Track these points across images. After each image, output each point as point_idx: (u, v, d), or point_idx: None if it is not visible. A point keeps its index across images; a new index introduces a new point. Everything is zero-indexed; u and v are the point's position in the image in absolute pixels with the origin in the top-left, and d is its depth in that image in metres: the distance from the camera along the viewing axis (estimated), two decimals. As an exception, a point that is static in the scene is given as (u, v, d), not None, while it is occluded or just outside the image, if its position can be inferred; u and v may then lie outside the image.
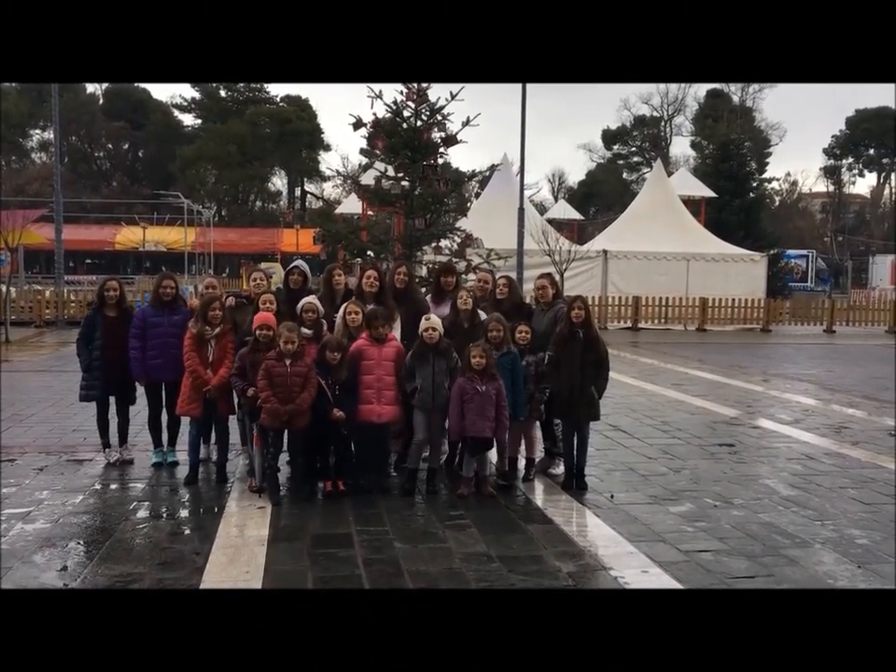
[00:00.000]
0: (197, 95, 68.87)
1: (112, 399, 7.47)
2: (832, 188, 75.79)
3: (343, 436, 6.56)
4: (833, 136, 73.82)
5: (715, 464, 7.82)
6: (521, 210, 23.07)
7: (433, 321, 6.60)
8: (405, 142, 9.49)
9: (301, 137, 65.78)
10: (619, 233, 27.45)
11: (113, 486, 6.82)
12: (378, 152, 11.22)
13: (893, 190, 75.76)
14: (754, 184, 38.77)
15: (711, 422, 9.96)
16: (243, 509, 6.21)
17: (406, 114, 9.52)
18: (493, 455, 7.02)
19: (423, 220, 9.65)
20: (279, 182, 72.73)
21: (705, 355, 17.97)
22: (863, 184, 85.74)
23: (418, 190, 9.61)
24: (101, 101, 68.78)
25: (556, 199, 62.80)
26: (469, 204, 15.93)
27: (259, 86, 68.23)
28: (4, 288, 20.28)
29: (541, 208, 49.38)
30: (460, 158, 79.60)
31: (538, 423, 7.21)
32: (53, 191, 25.26)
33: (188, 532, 5.77)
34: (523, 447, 7.13)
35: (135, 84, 64.57)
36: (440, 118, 9.58)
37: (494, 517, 6.11)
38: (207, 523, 5.88)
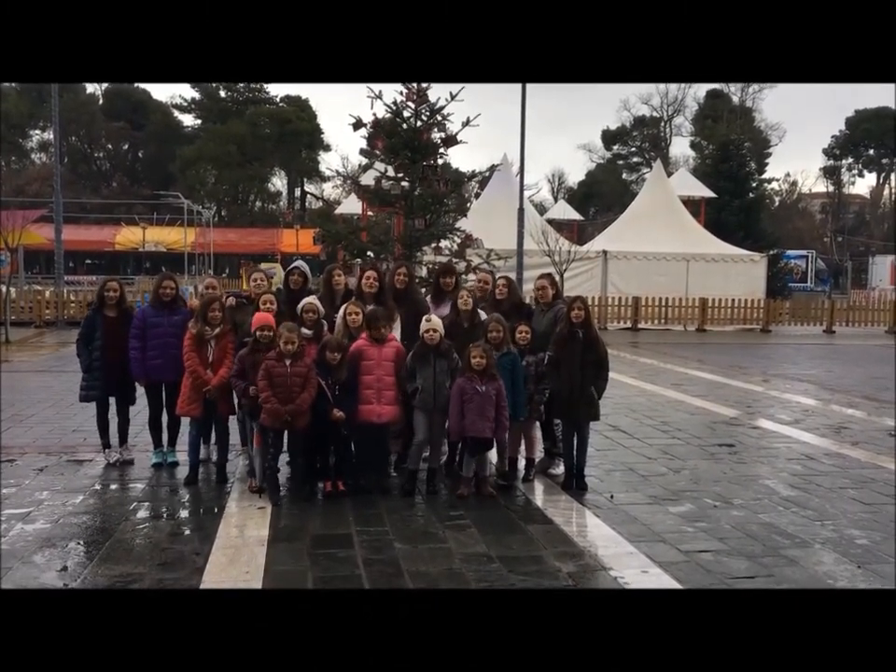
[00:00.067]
0: (197, 96, 68.93)
1: (112, 400, 7.47)
2: (831, 188, 75.84)
3: (343, 436, 6.56)
4: (832, 137, 73.94)
5: (715, 464, 7.82)
6: (521, 210, 23.07)
7: (434, 322, 6.60)
8: (405, 142, 9.49)
9: (300, 137, 65.82)
10: (619, 234, 27.46)
11: (113, 487, 6.82)
12: (378, 152, 11.22)
13: (893, 191, 75.84)
14: (754, 184, 38.76)
15: (711, 422, 9.96)
16: (243, 509, 6.21)
17: (406, 114, 9.52)
18: (493, 455, 7.01)
19: (423, 221, 9.66)
20: (279, 182, 72.84)
21: (704, 355, 17.97)
22: (863, 184, 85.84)
23: (418, 191, 9.61)
24: (101, 101, 68.82)
25: (556, 199, 62.82)
26: (468, 205, 15.93)
27: (258, 86, 68.28)
28: (4, 289, 20.28)
29: (541, 208, 49.40)
30: (460, 158, 79.85)
31: (537, 423, 7.21)
32: (53, 192, 25.28)
33: (188, 532, 5.77)
34: (523, 447, 7.13)
35: (135, 84, 64.69)
36: (439, 118, 9.59)
37: (494, 517, 6.11)
38: (207, 523, 5.88)
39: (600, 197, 69.11)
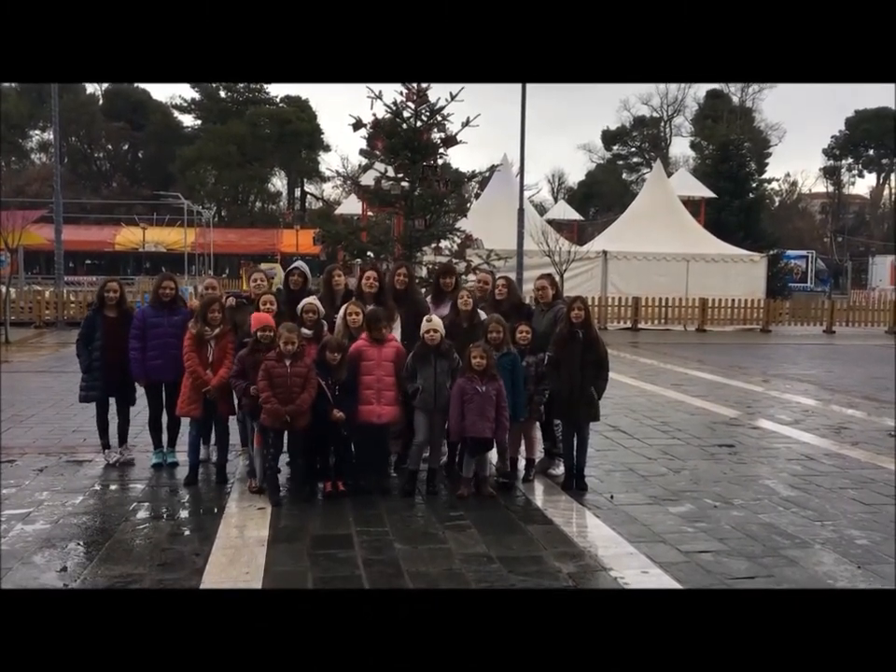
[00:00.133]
0: (197, 96, 68.96)
1: (112, 400, 7.47)
2: (831, 188, 75.85)
3: (343, 437, 6.56)
4: (832, 137, 73.95)
5: (715, 464, 7.82)
6: (521, 211, 23.08)
7: (435, 322, 6.59)
8: (405, 142, 9.49)
9: (300, 138, 65.83)
10: (618, 234, 27.46)
11: (113, 487, 6.82)
12: (378, 153, 11.22)
13: (893, 191, 75.83)
14: (754, 184, 38.76)
15: (711, 422, 9.96)
16: (243, 509, 6.20)
17: (406, 114, 9.52)
18: (493, 455, 7.01)
19: (423, 221, 9.65)
20: (279, 183, 72.86)
21: (704, 355, 17.97)
22: (863, 184, 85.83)
23: (418, 191, 9.61)
24: (101, 101, 68.84)
25: (556, 199, 62.84)
26: (468, 205, 15.94)
27: (258, 86, 68.30)
28: (4, 289, 20.28)
29: (541, 209, 49.41)
30: (460, 158, 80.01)
31: (537, 423, 7.21)
32: (53, 192, 25.27)
33: (187, 533, 5.77)
34: (523, 448, 7.13)
35: (135, 84, 64.71)
36: (439, 118, 9.58)
37: (494, 518, 6.11)
38: (207, 524, 5.87)
39: (600, 197, 69.13)
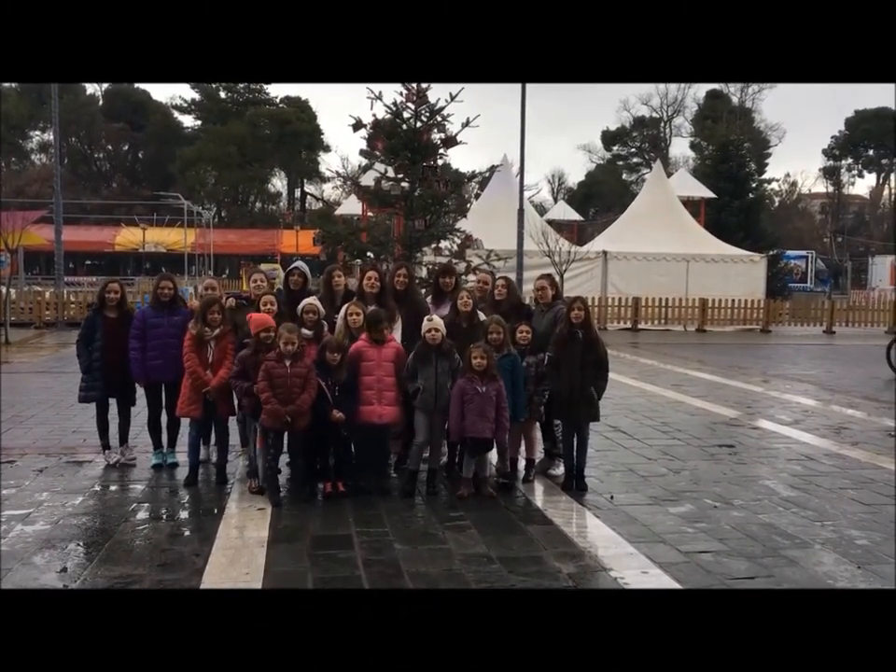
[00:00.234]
0: (197, 96, 69.00)
1: (112, 401, 7.47)
2: (831, 188, 75.87)
3: (343, 437, 6.56)
4: (832, 137, 74.00)
5: (715, 465, 7.82)
6: (520, 211, 23.08)
7: (436, 322, 6.59)
8: (405, 143, 9.49)
9: (300, 138, 65.86)
10: (618, 234, 27.47)
11: (113, 488, 6.81)
12: (378, 153, 11.21)
13: (892, 191, 75.85)
14: (753, 185, 38.74)
15: (711, 423, 9.96)
16: (243, 510, 6.20)
17: (406, 115, 9.52)
18: (493, 455, 7.01)
19: (423, 221, 9.65)
20: (279, 183, 72.90)
21: (704, 355, 17.97)
22: (863, 185, 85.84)
23: (418, 191, 9.61)
24: (100, 102, 68.86)
25: (556, 200, 62.88)
26: (468, 205, 15.94)
27: (258, 87, 68.33)
28: (4, 290, 20.28)
29: (541, 209, 49.42)
30: (460, 159, 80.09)
31: (537, 424, 7.21)
32: (53, 193, 25.29)
33: (187, 533, 5.77)
34: (523, 448, 7.13)
35: (135, 85, 64.77)
36: (439, 119, 9.58)
37: (494, 518, 6.11)
38: (207, 524, 5.87)
39: (600, 197, 69.15)
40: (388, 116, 9.62)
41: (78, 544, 5.40)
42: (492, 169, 13.61)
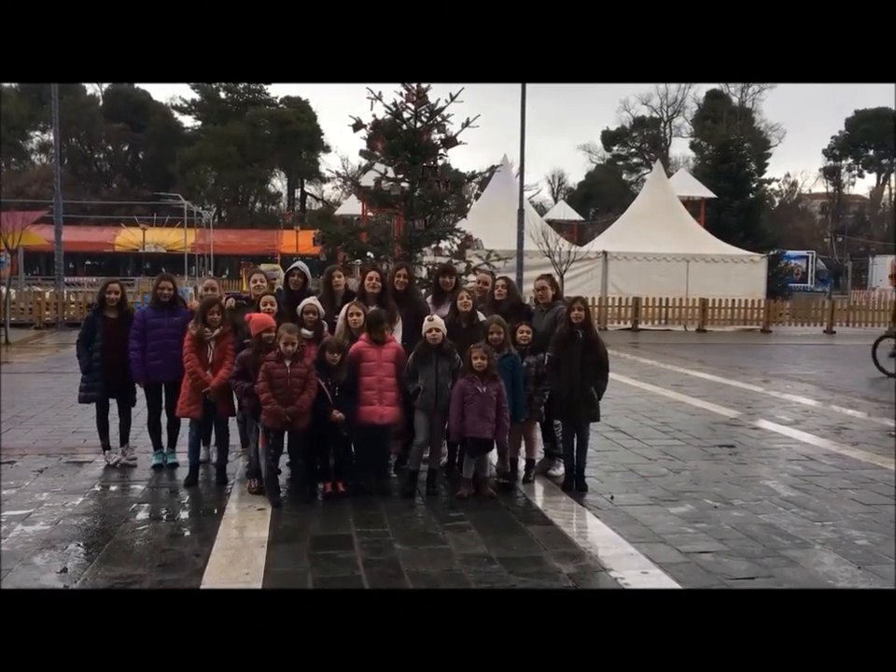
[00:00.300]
0: (197, 97, 69.03)
1: (113, 402, 7.47)
2: (831, 188, 75.87)
3: (343, 437, 6.56)
4: (832, 137, 73.99)
5: (715, 465, 7.82)
6: (521, 211, 23.08)
7: (436, 322, 6.59)
8: (405, 143, 9.49)
9: (300, 138, 65.86)
10: (619, 234, 27.47)
11: (113, 488, 6.81)
12: (378, 153, 11.22)
13: (893, 191, 75.86)
14: (754, 185, 38.75)
15: (711, 423, 9.96)
16: (243, 510, 6.20)
17: (406, 115, 9.52)
18: (493, 455, 7.01)
19: (423, 222, 9.65)
20: (279, 183, 72.90)
21: (705, 355, 17.97)
22: (863, 185, 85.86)
23: (418, 192, 9.61)
24: (101, 102, 68.87)
25: (556, 200, 62.87)
26: (468, 206, 15.96)
27: (258, 87, 68.34)
28: (4, 290, 20.29)
29: (541, 209, 49.44)
30: (460, 159, 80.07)
31: (538, 424, 7.21)
32: (53, 193, 25.28)
33: (188, 534, 5.77)
34: (523, 448, 7.13)
35: (135, 85, 64.79)
36: (439, 119, 9.58)
37: (494, 518, 6.10)
38: (207, 524, 5.87)
39: (600, 198, 69.16)
40: (388, 116, 9.63)
41: (79, 544, 5.40)
42: (492, 169, 13.63)
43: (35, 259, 47.06)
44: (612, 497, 6.61)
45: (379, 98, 9.41)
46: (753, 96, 71.24)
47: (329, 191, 70.04)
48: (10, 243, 21.34)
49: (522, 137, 23.59)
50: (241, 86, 67.77)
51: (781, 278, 36.44)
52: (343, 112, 78.75)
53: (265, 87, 68.92)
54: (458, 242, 9.79)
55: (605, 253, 25.17)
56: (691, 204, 30.11)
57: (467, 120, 9.46)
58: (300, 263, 7.84)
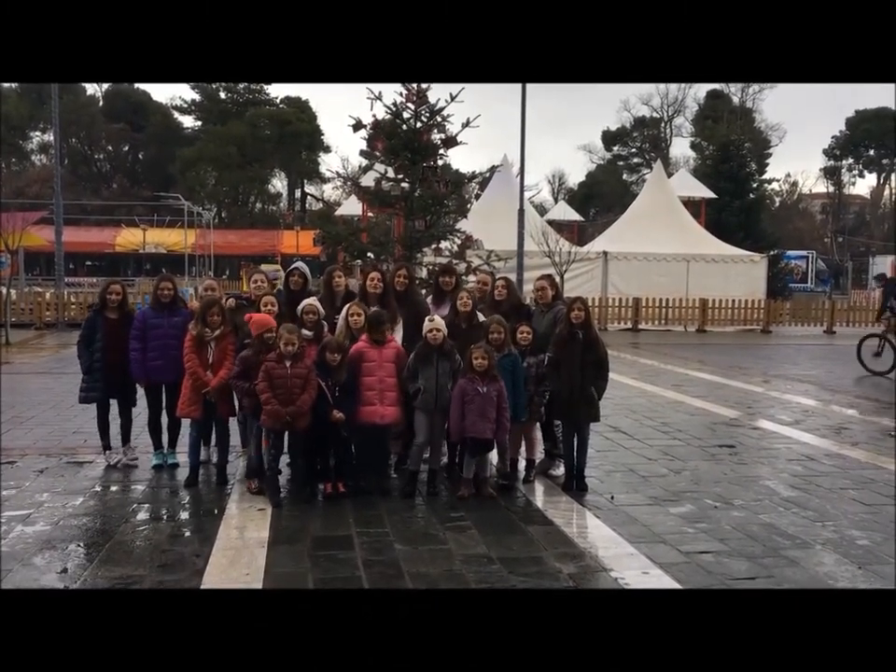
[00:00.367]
0: (197, 97, 68.98)
1: (113, 402, 7.47)
2: (832, 188, 75.84)
3: (343, 437, 6.56)
4: (832, 137, 73.96)
5: (715, 465, 7.81)
6: (521, 211, 23.08)
7: (437, 322, 6.59)
8: (405, 143, 9.49)
9: (300, 139, 65.83)
10: (619, 234, 27.47)
11: (113, 488, 6.81)
12: (378, 154, 11.23)
13: (893, 191, 75.84)
14: (754, 185, 38.76)
15: (711, 423, 9.96)
16: (243, 511, 6.20)
17: (406, 115, 9.53)
18: (493, 456, 7.01)
19: (423, 222, 9.66)
20: (279, 184, 72.87)
21: (705, 356, 17.97)
22: (863, 185, 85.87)
23: (418, 192, 9.61)
24: (101, 103, 68.86)
25: (556, 200, 62.89)
26: (468, 206, 15.96)
27: (258, 87, 68.30)
28: (4, 290, 20.29)
29: (541, 209, 49.45)
30: (460, 159, 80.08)
31: (538, 424, 7.21)
32: (53, 193, 25.28)
33: (188, 534, 5.77)
34: (523, 448, 7.13)
35: (135, 86, 64.78)
36: (439, 119, 9.59)
37: (494, 518, 6.10)
38: (207, 525, 5.87)
39: (600, 198, 69.15)
40: (388, 116, 9.64)
41: (79, 545, 5.40)
42: (492, 169, 13.63)
43: (35, 260, 47.06)
44: (612, 498, 6.61)
45: (379, 98, 9.41)
46: (754, 96, 71.32)
47: (330, 192, 70.11)
48: (11, 243, 21.33)
49: (522, 137, 23.61)
50: (241, 86, 67.74)
51: (781, 278, 36.43)
52: (343, 112, 78.79)
53: (265, 87, 68.91)
54: (458, 242, 9.80)
55: (605, 253, 25.17)
56: (691, 204, 30.11)
57: (467, 120, 9.47)
58: (300, 263, 7.85)
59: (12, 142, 62.56)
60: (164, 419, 7.39)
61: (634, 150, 75.38)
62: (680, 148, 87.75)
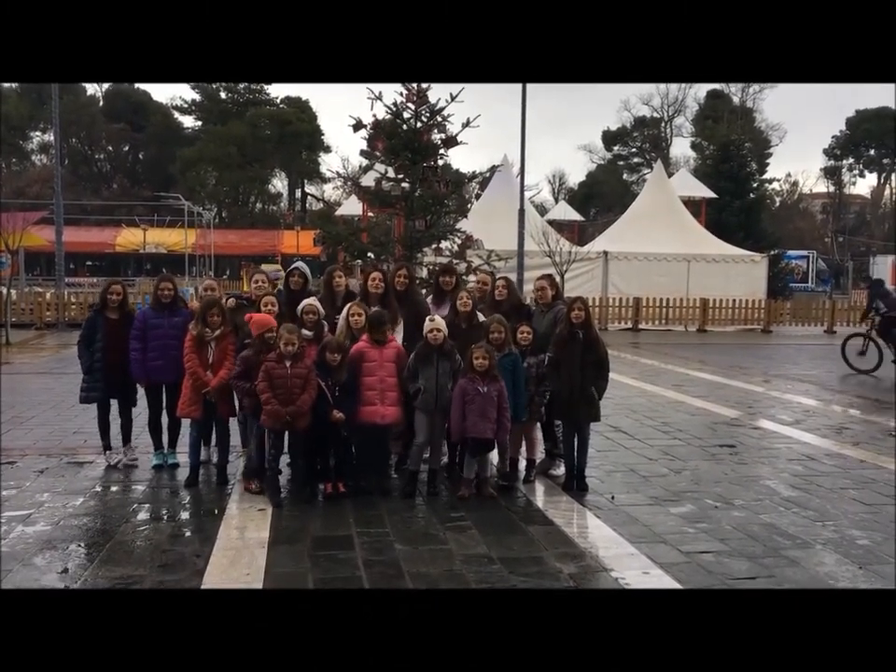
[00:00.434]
0: (197, 97, 68.97)
1: (113, 402, 7.47)
2: (832, 188, 75.82)
3: (344, 437, 6.56)
4: (833, 137, 73.92)
5: (716, 465, 7.81)
6: (521, 211, 23.08)
7: (438, 322, 6.59)
8: (405, 143, 9.49)
9: (301, 139, 65.82)
10: (619, 234, 27.45)
11: (113, 488, 6.81)
12: (378, 154, 11.23)
13: (894, 191, 75.80)
14: (754, 185, 38.73)
15: (712, 423, 9.95)
16: (243, 511, 6.20)
17: (406, 115, 9.53)
18: (494, 456, 7.00)
19: (423, 222, 9.66)
20: (279, 184, 72.86)
21: (705, 355, 17.96)
22: (864, 184, 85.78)
23: (418, 192, 9.61)
24: (101, 103, 68.86)
25: (557, 200, 62.89)
26: (469, 206, 15.95)
27: (259, 87, 68.29)
28: (4, 291, 20.29)
29: (542, 209, 49.45)
30: (460, 159, 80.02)
31: (538, 424, 7.21)
32: (54, 193, 25.29)
33: (188, 534, 5.77)
34: (523, 448, 7.13)
35: (135, 86, 64.77)
36: (440, 119, 9.59)
37: (494, 518, 6.10)
38: (208, 525, 5.87)
39: (601, 198, 69.14)
40: (388, 116, 9.63)
41: (79, 545, 5.40)
42: (492, 169, 13.63)
43: (35, 260, 47.06)
44: (613, 497, 6.61)
45: (379, 98, 9.41)
46: (754, 96, 71.30)
47: (330, 192, 70.09)
48: (11, 243, 21.34)
49: (522, 137, 23.61)
50: (241, 86, 67.72)
51: (782, 278, 36.40)
52: (344, 112, 78.99)
53: (265, 87, 68.90)
54: (459, 242, 9.80)
55: (605, 253, 25.16)
56: (691, 204, 30.10)
57: (467, 120, 9.46)
58: (300, 263, 7.84)
59: (12, 142, 62.58)
60: (164, 419, 7.39)
61: (634, 150, 75.36)
62: (681, 148, 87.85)
